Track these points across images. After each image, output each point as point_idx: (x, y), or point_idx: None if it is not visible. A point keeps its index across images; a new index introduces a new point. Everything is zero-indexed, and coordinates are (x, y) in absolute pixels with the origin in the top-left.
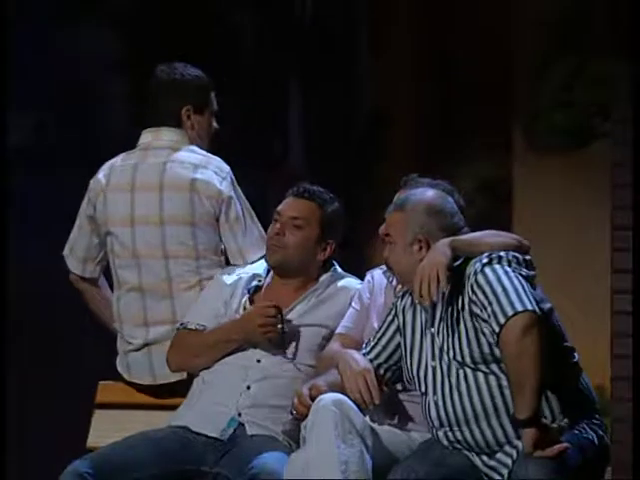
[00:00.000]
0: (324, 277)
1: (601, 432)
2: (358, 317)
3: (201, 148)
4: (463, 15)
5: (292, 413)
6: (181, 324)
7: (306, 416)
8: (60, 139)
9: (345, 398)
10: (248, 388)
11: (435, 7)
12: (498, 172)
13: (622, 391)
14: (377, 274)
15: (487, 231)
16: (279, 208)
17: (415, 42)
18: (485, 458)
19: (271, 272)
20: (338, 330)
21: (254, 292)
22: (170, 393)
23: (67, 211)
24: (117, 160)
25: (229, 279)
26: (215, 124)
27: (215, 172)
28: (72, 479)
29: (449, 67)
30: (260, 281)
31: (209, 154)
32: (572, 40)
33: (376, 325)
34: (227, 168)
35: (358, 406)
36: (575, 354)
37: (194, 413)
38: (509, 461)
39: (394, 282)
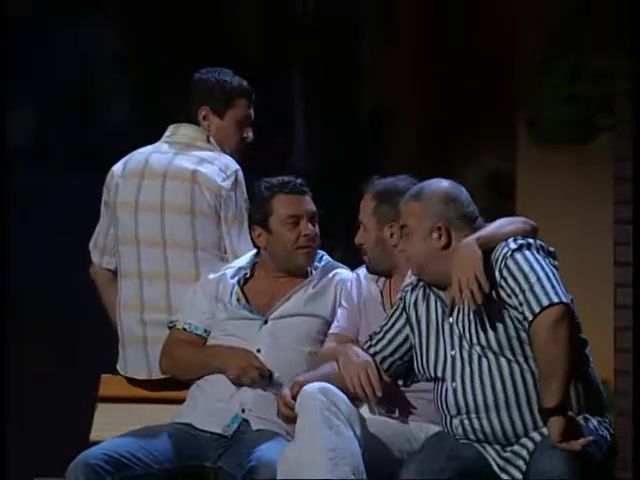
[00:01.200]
0: (318, 267)
1: (612, 431)
2: (350, 316)
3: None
4: (466, 11)
5: (278, 415)
6: (171, 322)
7: (292, 417)
8: (60, 138)
9: (329, 386)
10: None
11: (438, 3)
12: (501, 167)
13: (623, 385)
14: (362, 273)
15: (501, 220)
16: (295, 211)
17: (418, 38)
18: (498, 448)
19: (257, 265)
20: (332, 330)
21: (244, 283)
22: (173, 386)
23: (67, 210)
24: (138, 150)
25: (214, 276)
26: (249, 135)
27: (220, 168)
28: (83, 470)
29: (452, 62)
30: (246, 273)
31: (222, 153)
32: (574, 35)
33: (364, 323)
34: (235, 168)
35: (349, 397)
36: (588, 347)
37: (197, 411)
38: (525, 453)
39: (379, 282)
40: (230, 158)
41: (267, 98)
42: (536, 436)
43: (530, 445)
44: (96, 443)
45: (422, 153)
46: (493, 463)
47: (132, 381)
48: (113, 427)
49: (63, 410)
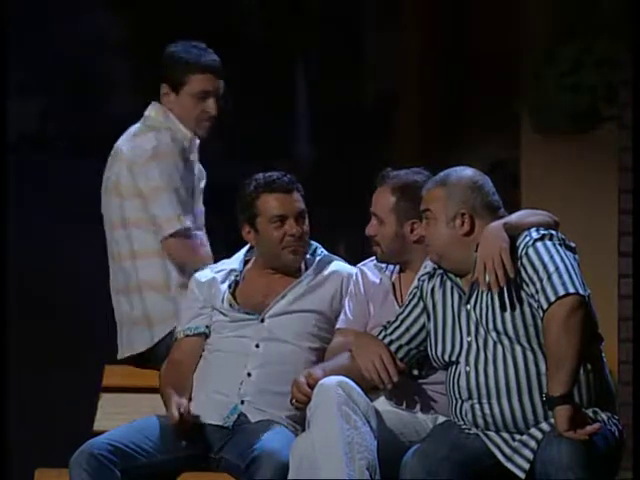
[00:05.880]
0: (314, 262)
1: (620, 428)
2: (357, 310)
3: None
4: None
5: (292, 402)
6: (174, 337)
7: (306, 404)
8: (63, 125)
9: (347, 380)
10: (249, 375)
11: None
12: (505, 156)
13: (624, 375)
14: (367, 268)
15: (524, 211)
16: (281, 211)
17: (423, 25)
18: (507, 436)
19: (248, 265)
20: (339, 325)
21: (235, 287)
22: None
23: (67, 195)
24: None
25: (204, 278)
26: (209, 109)
27: (138, 145)
28: (87, 460)
29: (457, 51)
30: (237, 276)
31: (153, 129)
32: (578, 24)
33: (371, 316)
34: (153, 144)
35: (363, 389)
36: (602, 343)
37: (197, 403)
38: (533, 443)
39: (387, 272)
40: (153, 134)
41: (270, 84)
42: (545, 427)
43: (539, 435)
44: (99, 433)
45: (426, 141)
46: (499, 453)
47: (135, 371)
48: (116, 417)
49: (66, 400)
